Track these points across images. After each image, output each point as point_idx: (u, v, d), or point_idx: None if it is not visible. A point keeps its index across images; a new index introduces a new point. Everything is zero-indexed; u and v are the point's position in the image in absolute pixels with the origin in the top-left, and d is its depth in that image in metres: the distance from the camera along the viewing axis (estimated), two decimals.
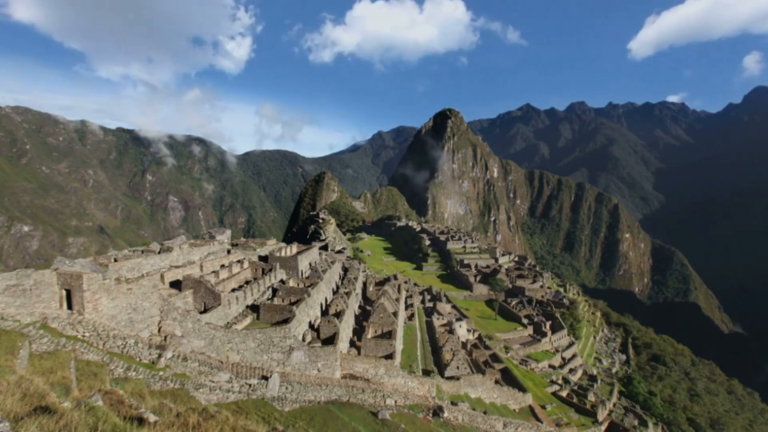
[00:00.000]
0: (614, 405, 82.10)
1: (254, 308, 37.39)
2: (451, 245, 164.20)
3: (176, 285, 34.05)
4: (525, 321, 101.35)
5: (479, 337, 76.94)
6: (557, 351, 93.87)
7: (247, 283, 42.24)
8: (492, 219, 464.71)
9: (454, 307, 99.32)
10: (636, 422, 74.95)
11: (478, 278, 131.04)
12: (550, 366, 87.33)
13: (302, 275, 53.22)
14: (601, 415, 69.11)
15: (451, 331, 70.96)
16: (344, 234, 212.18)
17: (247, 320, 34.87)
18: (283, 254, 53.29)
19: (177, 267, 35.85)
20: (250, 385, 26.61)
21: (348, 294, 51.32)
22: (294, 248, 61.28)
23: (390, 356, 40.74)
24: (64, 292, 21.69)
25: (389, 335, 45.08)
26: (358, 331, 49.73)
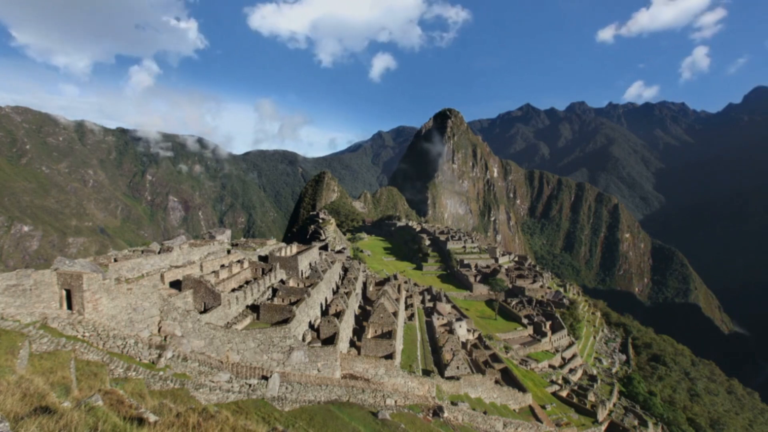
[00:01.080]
0: (614, 405, 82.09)
1: (254, 308, 37.39)
2: (451, 245, 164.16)
3: (176, 285, 34.04)
4: (525, 321, 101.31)
5: (479, 337, 76.91)
6: (557, 351, 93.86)
7: (247, 283, 42.23)
8: (492, 219, 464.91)
9: (454, 307, 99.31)
10: (636, 422, 74.91)
11: (478, 278, 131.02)
12: (550, 366, 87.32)
13: (302, 275, 53.22)
14: (601, 415, 69.10)
15: (451, 331, 70.94)
16: (344, 234, 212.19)
17: (247, 320, 34.87)
18: (283, 254, 53.29)
19: (177, 267, 35.84)
20: (250, 385, 26.61)
21: (348, 294, 51.32)
22: (294, 248, 61.28)
23: (390, 356, 40.73)
24: (64, 292, 21.69)
25: (389, 335, 45.08)
26: (358, 331, 49.72)
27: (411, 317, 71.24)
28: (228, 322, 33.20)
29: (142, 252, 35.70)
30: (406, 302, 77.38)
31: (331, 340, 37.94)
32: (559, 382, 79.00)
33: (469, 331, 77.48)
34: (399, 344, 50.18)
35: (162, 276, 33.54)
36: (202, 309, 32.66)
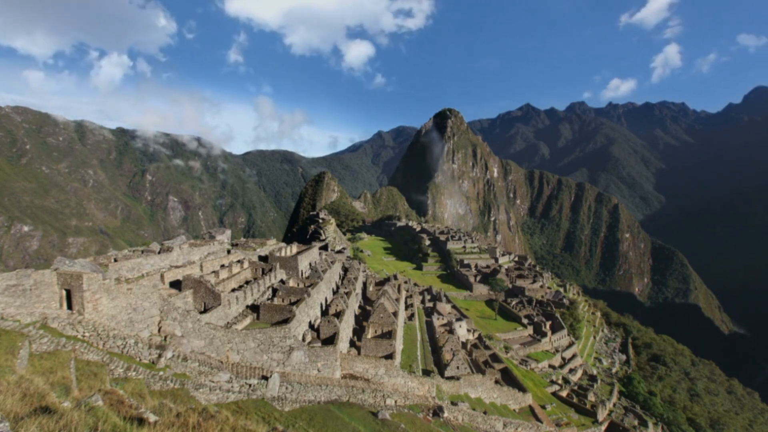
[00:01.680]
0: (614, 405, 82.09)
1: (254, 308, 37.39)
2: (451, 245, 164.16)
3: (176, 285, 34.04)
4: (525, 321, 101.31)
5: (479, 337, 76.91)
6: (557, 351, 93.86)
7: (247, 283, 42.23)
8: (492, 219, 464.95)
9: (454, 307, 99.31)
10: (636, 422, 74.91)
11: (478, 278, 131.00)
12: (550, 366, 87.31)
13: (302, 275, 53.21)
14: (601, 415, 69.09)
15: (451, 331, 70.94)
16: (344, 234, 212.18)
17: (247, 320, 34.87)
18: (283, 254, 53.29)
19: (177, 267, 35.84)
20: (250, 385, 26.61)
21: (348, 294, 51.31)
22: (294, 248, 61.28)
23: (390, 356, 40.73)
24: (64, 292, 21.68)
25: (389, 335, 45.07)
26: (358, 331, 49.72)
27: (411, 317, 71.23)
28: (228, 322, 33.20)
29: (142, 252, 35.70)
30: (406, 302, 77.38)
31: (331, 340, 37.94)
32: (559, 382, 78.99)
33: (469, 331, 77.48)
34: (399, 344, 50.17)
35: (162, 276, 33.54)
36: (202, 309, 32.66)
